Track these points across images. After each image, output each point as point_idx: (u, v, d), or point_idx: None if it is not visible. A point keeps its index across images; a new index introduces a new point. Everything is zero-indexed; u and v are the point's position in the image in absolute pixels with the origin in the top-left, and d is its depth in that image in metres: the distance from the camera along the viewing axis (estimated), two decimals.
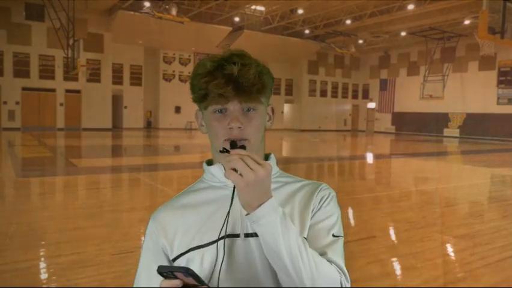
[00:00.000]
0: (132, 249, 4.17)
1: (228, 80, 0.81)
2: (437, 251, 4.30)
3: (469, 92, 27.36)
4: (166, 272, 0.71)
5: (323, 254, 0.83)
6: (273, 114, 0.95)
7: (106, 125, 24.79)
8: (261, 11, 24.93)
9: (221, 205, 0.88)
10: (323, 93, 33.58)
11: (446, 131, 28.73)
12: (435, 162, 14.12)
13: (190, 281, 0.71)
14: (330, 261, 0.82)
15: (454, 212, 6.42)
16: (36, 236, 4.49)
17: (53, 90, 23.38)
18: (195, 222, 0.88)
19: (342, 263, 0.84)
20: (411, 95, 29.93)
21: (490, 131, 25.85)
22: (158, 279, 0.86)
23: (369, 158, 15.71)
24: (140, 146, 17.57)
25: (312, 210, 0.89)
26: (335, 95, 34.41)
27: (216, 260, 0.83)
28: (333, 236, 0.87)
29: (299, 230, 0.85)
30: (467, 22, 23.31)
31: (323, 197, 0.91)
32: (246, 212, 0.77)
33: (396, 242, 4.77)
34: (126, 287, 3.21)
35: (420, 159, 14.61)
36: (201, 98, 0.85)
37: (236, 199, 0.83)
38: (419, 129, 29.95)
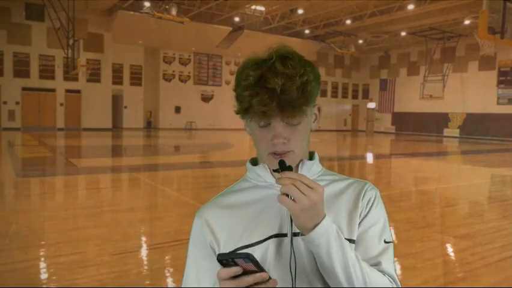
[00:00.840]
0: (132, 249, 4.17)
1: (271, 95, 0.78)
2: (437, 251, 4.30)
3: (469, 92, 27.36)
4: (226, 259, 0.71)
5: (377, 264, 0.85)
6: (319, 113, 0.93)
7: (106, 125, 24.79)
8: (261, 11, 24.93)
9: (267, 205, 0.88)
10: (323, 93, 33.57)
11: (446, 131, 28.73)
12: (435, 162, 14.12)
13: (250, 267, 0.70)
14: (383, 271, 0.84)
15: (454, 212, 6.42)
16: (36, 236, 4.49)
17: (53, 90, 23.38)
18: (242, 222, 0.88)
19: (394, 272, 0.87)
20: (411, 95, 29.93)
21: (490, 131, 25.85)
22: (208, 276, 0.87)
23: (369, 158, 15.71)
24: (140, 146, 17.57)
25: (361, 213, 0.88)
26: (335, 95, 34.41)
27: (266, 260, 0.83)
28: (385, 242, 0.88)
29: (347, 231, 0.86)
30: (467, 22, 23.31)
31: (370, 199, 0.90)
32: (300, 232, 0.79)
33: (396, 242, 4.76)
34: (126, 287, 3.21)
35: (420, 159, 14.61)
36: (244, 111, 0.83)
37: None
38: (419, 129, 29.95)
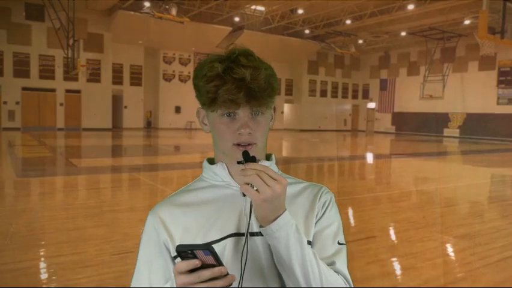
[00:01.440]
0: (132, 249, 4.17)
1: (239, 85, 0.80)
2: (437, 251, 4.30)
3: (469, 92, 27.36)
4: (185, 250, 0.69)
5: (331, 264, 0.86)
6: (274, 113, 0.94)
7: (106, 125, 24.78)
8: (261, 11, 24.93)
9: (224, 204, 0.88)
10: (323, 93, 33.58)
11: (446, 131, 28.72)
12: (435, 162, 14.12)
13: (210, 260, 0.69)
14: (337, 271, 0.85)
15: (454, 212, 6.42)
16: (36, 236, 4.49)
17: (53, 90, 23.38)
18: (197, 221, 0.87)
19: (347, 273, 0.87)
20: (411, 95, 29.93)
21: (490, 131, 25.84)
22: (161, 276, 0.85)
23: (369, 158, 15.71)
24: (140, 146, 17.57)
25: (316, 215, 0.90)
26: (335, 95, 34.40)
27: (224, 259, 0.82)
28: (339, 243, 0.89)
29: (304, 232, 0.85)
30: (467, 22, 23.31)
31: (325, 202, 0.92)
32: (259, 224, 0.79)
33: (396, 242, 4.77)
34: (126, 287, 3.21)
35: (420, 159, 14.61)
36: (210, 101, 0.83)
37: (242, 199, 0.86)
38: (419, 129, 29.94)
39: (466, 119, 27.73)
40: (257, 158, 0.86)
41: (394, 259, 4.08)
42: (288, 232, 0.77)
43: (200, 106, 0.89)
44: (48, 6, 19.27)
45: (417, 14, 22.10)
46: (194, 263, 0.69)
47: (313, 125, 32.28)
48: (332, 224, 0.90)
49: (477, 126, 26.77)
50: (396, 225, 5.39)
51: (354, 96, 35.48)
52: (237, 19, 25.36)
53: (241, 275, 0.80)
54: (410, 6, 21.18)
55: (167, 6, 20.88)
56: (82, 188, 7.94)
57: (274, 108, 0.94)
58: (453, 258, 4.22)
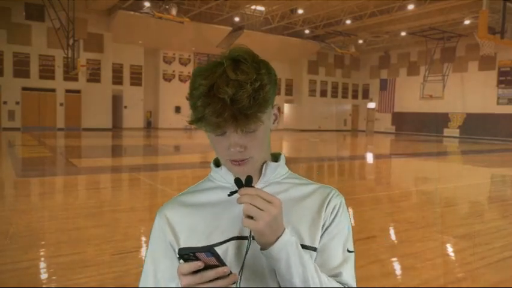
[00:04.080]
0: (132, 249, 4.17)
1: (224, 105, 0.75)
2: (437, 251, 4.30)
3: (469, 92, 27.36)
4: (187, 253, 0.70)
5: (337, 275, 0.85)
6: (279, 113, 0.91)
7: (106, 125, 24.78)
8: (261, 11, 24.94)
9: (229, 206, 0.87)
10: (323, 93, 33.58)
11: (446, 131, 28.72)
12: (435, 162, 14.12)
13: (212, 261, 0.70)
14: (343, 282, 0.85)
15: (454, 212, 6.42)
16: (36, 236, 4.49)
17: (53, 90, 23.38)
18: (203, 222, 0.87)
19: (354, 282, 0.87)
20: (411, 95, 29.93)
21: (490, 131, 25.84)
22: (168, 276, 0.85)
23: (369, 158, 15.71)
24: (140, 146, 17.57)
25: (325, 222, 0.88)
26: (335, 95, 34.40)
27: (226, 262, 0.82)
28: (348, 251, 0.88)
29: (308, 237, 0.85)
30: (467, 22, 23.31)
31: (335, 206, 0.90)
32: (260, 247, 0.78)
33: (396, 242, 4.77)
34: (126, 287, 3.21)
35: (420, 159, 14.61)
36: (197, 120, 0.80)
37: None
38: (419, 129, 29.94)
39: (466, 119, 27.73)
40: (263, 166, 0.88)
41: (394, 259, 4.08)
42: (288, 252, 0.77)
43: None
44: (48, 6, 19.26)
45: (417, 14, 22.10)
46: (196, 265, 0.70)
47: (313, 125, 32.28)
48: (341, 230, 0.89)
49: (477, 126, 26.77)
50: (396, 225, 5.39)
51: (354, 96, 35.48)
52: (237, 19, 25.36)
53: (240, 275, 0.81)
54: (410, 6, 21.17)
55: (167, 6, 20.88)
56: (82, 188, 7.94)
57: (279, 109, 0.91)
58: (453, 258, 4.22)
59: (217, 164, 0.94)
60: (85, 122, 24.27)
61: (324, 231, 0.87)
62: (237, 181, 0.79)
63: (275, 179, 0.91)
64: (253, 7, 24.13)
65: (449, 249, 4.48)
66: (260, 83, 0.78)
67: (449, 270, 3.75)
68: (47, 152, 14.05)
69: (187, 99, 0.82)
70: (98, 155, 13.55)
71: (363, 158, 15.62)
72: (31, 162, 11.01)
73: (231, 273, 0.71)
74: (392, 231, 5.17)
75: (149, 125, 27.65)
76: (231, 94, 0.75)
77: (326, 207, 0.89)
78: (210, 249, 0.69)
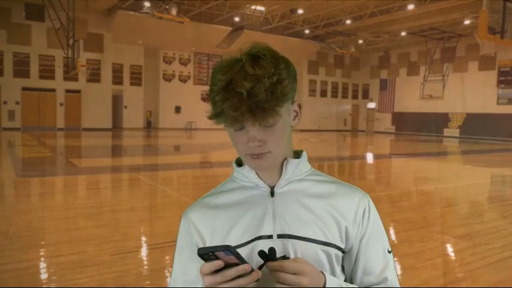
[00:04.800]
0: (132, 249, 4.17)
1: (241, 99, 0.76)
2: (437, 251, 4.30)
3: (469, 92, 27.36)
4: (206, 253, 0.70)
5: (383, 280, 0.86)
6: (300, 109, 0.90)
7: (106, 125, 24.79)
8: (261, 11, 24.94)
9: (253, 206, 0.87)
10: (323, 93, 33.58)
11: (446, 131, 28.72)
12: (435, 162, 14.12)
13: (232, 259, 0.70)
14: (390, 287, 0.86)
15: (454, 212, 6.43)
16: (36, 236, 4.49)
17: (53, 90, 23.38)
18: (227, 223, 0.87)
19: (398, 283, 0.88)
20: (411, 95, 29.93)
21: (490, 131, 25.84)
22: (195, 278, 0.86)
23: (369, 158, 15.71)
24: (140, 146, 17.57)
25: (356, 226, 0.87)
26: (335, 95, 34.40)
27: (252, 262, 0.83)
28: (388, 252, 0.89)
29: (333, 235, 0.85)
30: (467, 22, 23.31)
31: (364, 209, 0.89)
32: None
33: (396, 242, 4.77)
34: (126, 287, 3.21)
35: (420, 159, 14.61)
36: (216, 115, 0.81)
37: (270, 199, 0.87)
38: (419, 129, 29.94)
39: (466, 119, 27.73)
40: (284, 163, 0.88)
41: (394, 259, 4.08)
42: None
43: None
44: (48, 6, 19.26)
45: (417, 14, 22.09)
46: (217, 264, 0.70)
47: (313, 125, 32.27)
48: (377, 232, 0.88)
49: (477, 126, 26.77)
50: (396, 225, 5.39)
51: (354, 96, 35.48)
52: (237, 19, 25.36)
53: None
54: (410, 6, 21.17)
55: (167, 6, 20.88)
56: (82, 188, 7.94)
57: (299, 105, 0.90)
58: (453, 258, 4.22)
59: (239, 163, 0.94)
60: (85, 122, 24.27)
61: (361, 239, 0.87)
62: (261, 253, 0.81)
63: (296, 176, 0.90)
64: (253, 7, 24.13)
65: (449, 249, 4.49)
66: (278, 77, 0.78)
67: (449, 270, 3.75)
68: (47, 152, 14.05)
69: (207, 95, 0.83)
70: (98, 155, 13.55)
71: (363, 158, 15.62)
72: (31, 162, 11.01)
73: (253, 270, 0.71)
74: (392, 231, 5.17)
75: (149, 125, 27.65)
76: (248, 88, 0.75)
77: (356, 213, 0.88)
78: (228, 248, 0.69)
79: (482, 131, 26.23)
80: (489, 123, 26.13)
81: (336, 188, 0.91)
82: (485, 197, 7.94)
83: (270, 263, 0.77)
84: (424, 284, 3.40)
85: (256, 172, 0.89)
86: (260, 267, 0.81)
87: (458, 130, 28.16)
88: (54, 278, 3.43)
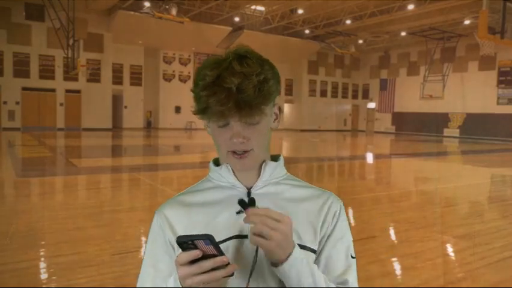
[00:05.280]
0: (132, 249, 4.17)
1: (228, 95, 0.77)
2: (437, 251, 4.30)
3: (469, 92, 27.36)
4: (185, 241, 0.69)
5: (343, 282, 0.86)
6: (280, 112, 0.91)
7: (106, 125, 24.78)
8: (261, 11, 24.94)
9: (228, 205, 0.87)
10: (323, 93, 33.58)
11: (446, 131, 28.72)
12: (435, 162, 14.12)
13: (210, 250, 0.69)
14: None
15: (454, 212, 6.43)
16: (36, 236, 4.49)
17: (53, 90, 23.38)
18: (202, 221, 0.87)
19: None
20: (411, 95, 29.93)
21: (490, 131, 25.84)
22: (165, 273, 0.85)
23: (369, 158, 15.71)
24: (140, 146, 17.57)
25: (326, 228, 0.88)
26: (335, 95, 34.40)
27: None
28: (351, 257, 0.89)
29: (308, 239, 0.85)
30: (467, 22, 23.31)
31: (335, 212, 0.90)
32: (270, 263, 0.79)
33: (396, 242, 4.77)
34: (126, 287, 3.21)
35: (420, 159, 14.61)
36: (201, 111, 0.82)
37: (245, 200, 0.85)
38: (419, 129, 29.94)
39: (466, 119, 27.73)
40: (262, 165, 0.88)
41: (394, 259, 4.08)
42: (298, 269, 0.77)
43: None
44: (48, 6, 19.27)
45: (417, 14, 22.10)
46: (195, 253, 0.69)
47: (313, 125, 32.28)
48: (343, 236, 0.89)
49: (477, 126, 26.77)
50: (396, 225, 5.39)
51: (354, 96, 35.48)
52: (237, 19, 25.36)
53: (250, 276, 0.81)
54: (410, 6, 21.18)
55: (167, 6, 20.88)
56: (82, 188, 7.94)
57: (279, 108, 0.91)
58: (453, 258, 4.22)
59: (216, 164, 0.94)
60: (85, 122, 24.27)
61: (327, 239, 0.88)
62: (241, 202, 0.80)
63: (274, 179, 0.91)
64: (253, 7, 24.13)
65: (449, 249, 4.49)
66: (264, 77, 0.80)
67: (449, 270, 3.75)
68: (47, 152, 14.05)
69: (192, 91, 0.83)
70: (98, 155, 13.55)
71: (363, 158, 15.62)
72: (31, 162, 11.01)
73: (229, 263, 0.71)
74: (392, 231, 5.17)
75: (149, 125, 27.65)
76: (237, 83, 0.77)
77: (327, 213, 0.89)
78: (209, 237, 0.68)
79: (482, 131, 26.23)
80: (489, 123, 26.13)
81: (311, 192, 0.93)
82: (485, 197, 7.94)
83: (253, 209, 0.77)
84: (424, 284, 3.40)
85: (233, 172, 0.89)
86: (239, 213, 0.82)
87: (458, 130, 28.17)
88: (54, 278, 3.43)
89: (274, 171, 0.91)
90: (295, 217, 0.84)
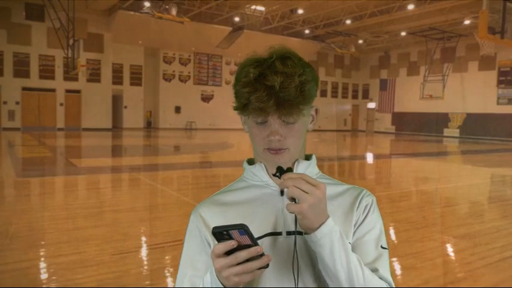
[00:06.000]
0: (132, 249, 4.17)
1: (270, 93, 0.79)
2: (437, 251, 4.30)
3: (469, 92, 27.37)
4: (220, 231, 0.70)
5: (373, 270, 0.85)
6: (316, 114, 0.95)
7: (106, 125, 24.79)
8: (261, 11, 24.94)
9: (262, 203, 0.89)
10: (323, 93, 33.57)
11: (446, 131, 28.73)
12: (435, 162, 14.12)
13: (245, 240, 0.70)
14: (381, 278, 0.85)
15: (454, 212, 6.42)
16: (36, 236, 4.49)
17: (53, 90, 23.39)
18: (236, 219, 0.87)
19: (391, 279, 0.87)
20: (411, 95, 29.94)
21: (490, 131, 25.85)
22: (203, 272, 0.86)
23: (369, 158, 15.71)
24: (140, 146, 17.57)
25: (357, 220, 0.89)
26: (335, 95, 34.41)
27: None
28: (382, 247, 0.89)
29: (343, 232, 0.86)
30: (467, 22, 23.32)
31: (367, 205, 0.91)
32: (303, 231, 0.79)
33: (396, 242, 4.76)
34: (126, 287, 3.21)
35: (420, 159, 14.61)
36: (242, 107, 0.84)
37: (280, 198, 0.87)
38: (419, 129, 29.95)
39: (466, 119, 27.73)
40: (295, 163, 0.89)
41: (394, 259, 4.08)
42: (332, 239, 0.77)
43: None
44: (48, 6, 19.28)
45: (417, 14, 22.10)
46: (230, 244, 0.71)
47: (313, 124, 32.26)
48: (373, 227, 0.90)
49: (477, 126, 26.77)
50: (396, 225, 5.38)
51: (354, 96, 35.49)
52: (237, 19, 25.37)
53: (296, 279, 0.82)
54: (410, 6, 21.18)
55: (167, 6, 20.89)
56: (82, 188, 7.94)
57: (316, 110, 0.94)
58: (453, 258, 4.22)
59: (251, 163, 0.96)
60: (85, 122, 24.28)
61: (356, 229, 0.89)
62: (279, 169, 0.81)
63: None
64: (253, 7, 24.13)
65: (449, 249, 4.49)
66: (305, 78, 0.82)
67: (449, 270, 3.75)
68: (47, 152, 14.05)
69: (233, 87, 0.86)
70: (98, 155, 13.55)
71: (363, 158, 15.62)
72: (31, 162, 11.01)
73: (263, 253, 0.72)
74: (392, 231, 5.17)
75: (149, 125, 27.65)
76: (279, 82, 0.79)
77: (358, 206, 0.90)
78: (243, 227, 0.69)
79: (482, 131, 26.24)
80: (489, 123, 26.14)
81: (344, 189, 0.94)
82: (485, 197, 7.94)
83: (289, 173, 0.78)
84: (424, 284, 3.40)
85: (267, 171, 0.91)
86: (275, 175, 0.82)
87: (458, 130, 28.17)
88: (54, 278, 3.43)
89: (306, 170, 0.92)
90: (330, 213, 0.86)
